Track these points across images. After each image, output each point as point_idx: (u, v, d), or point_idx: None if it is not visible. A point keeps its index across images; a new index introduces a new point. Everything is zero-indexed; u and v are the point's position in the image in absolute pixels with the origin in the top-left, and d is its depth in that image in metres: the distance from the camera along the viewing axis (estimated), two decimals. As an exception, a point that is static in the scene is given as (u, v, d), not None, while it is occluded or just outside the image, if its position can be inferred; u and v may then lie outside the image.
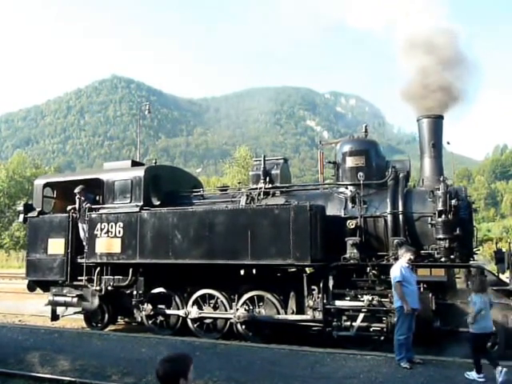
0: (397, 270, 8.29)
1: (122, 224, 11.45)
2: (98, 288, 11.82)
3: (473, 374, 7.40)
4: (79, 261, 12.05)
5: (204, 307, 11.23)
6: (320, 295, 10.10)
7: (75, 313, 12.75)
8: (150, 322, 11.75)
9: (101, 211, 11.91)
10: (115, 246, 11.47)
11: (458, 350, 8.64)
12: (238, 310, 10.81)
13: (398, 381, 7.34)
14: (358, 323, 9.84)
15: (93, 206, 12.09)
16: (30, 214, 12.97)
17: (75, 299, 12.18)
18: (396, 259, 9.49)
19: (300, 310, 10.44)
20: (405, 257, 8.39)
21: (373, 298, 9.73)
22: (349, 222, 10.26)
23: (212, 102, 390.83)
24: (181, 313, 11.39)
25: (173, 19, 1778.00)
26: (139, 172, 11.97)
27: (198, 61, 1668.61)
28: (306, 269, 10.73)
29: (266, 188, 11.57)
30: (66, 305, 12.46)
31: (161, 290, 11.65)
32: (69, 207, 12.60)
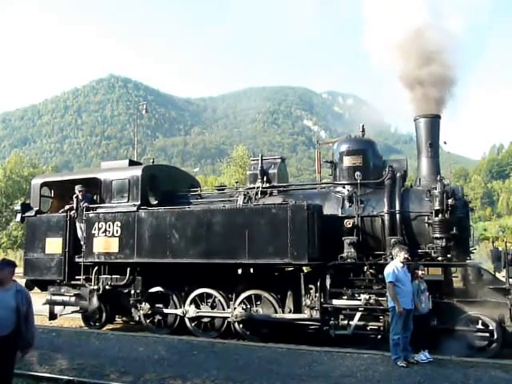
0: (389, 271, 8.30)
1: (119, 223, 11.46)
2: (95, 287, 11.83)
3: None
4: (77, 260, 12.05)
5: (202, 306, 11.25)
6: (317, 294, 10.13)
7: (73, 312, 12.76)
8: (147, 321, 11.77)
9: (98, 210, 11.92)
10: (113, 245, 11.49)
11: (455, 348, 8.71)
12: (235, 309, 10.84)
13: (395, 379, 7.37)
14: (355, 322, 9.87)
15: (90, 206, 12.09)
16: (27, 214, 12.97)
17: (73, 298, 12.20)
18: (393, 258, 9.54)
19: (297, 309, 10.47)
20: (399, 256, 8.40)
21: (370, 297, 9.75)
22: (346, 221, 10.28)
23: (209, 102, 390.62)
24: (178, 312, 11.41)
25: (171, 19, 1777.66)
26: (137, 171, 11.98)
27: (195, 61, 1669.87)
28: (304, 268, 10.77)
29: (263, 187, 11.60)
30: (64, 304, 12.48)
31: (158, 289, 11.67)
32: (66, 206, 12.61)
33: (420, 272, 8.69)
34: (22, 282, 12.69)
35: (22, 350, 5.76)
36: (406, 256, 8.43)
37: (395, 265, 8.37)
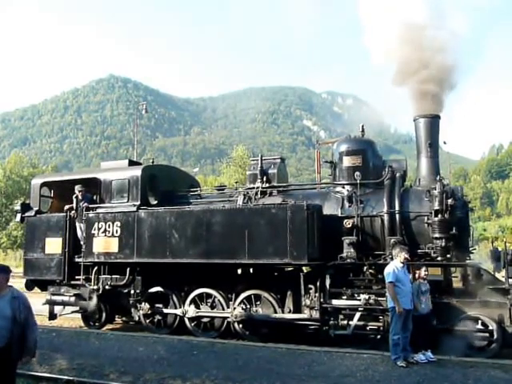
0: (390, 271, 8.28)
1: (119, 223, 11.47)
2: (95, 287, 11.84)
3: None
4: (77, 260, 12.06)
5: (201, 306, 11.26)
6: (317, 294, 10.13)
7: (73, 312, 12.77)
8: (147, 321, 11.77)
9: (98, 210, 11.92)
10: (112, 245, 11.49)
11: (454, 348, 8.71)
12: (235, 309, 10.84)
13: (395, 379, 7.37)
14: (354, 322, 9.88)
15: (90, 206, 12.09)
16: (27, 214, 12.97)
17: (73, 298, 12.21)
18: (392, 258, 9.55)
19: (297, 308, 10.48)
20: (399, 257, 8.38)
21: (369, 297, 9.75)
22: (346, 221, 10.28)
23: (209, 102, 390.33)
24: (178, 312, 11.41)
25: (171, 19, 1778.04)
26: (136, 171, 11.98)
27: (195, 61, 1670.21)
28: (303, 268, 10.77)
29: (263, 187, 11.60)
30: (64, 304, 12.49)
31: (158, 289, 11.67)
32: (66, 206, 12.61)
33: (423, 273, 8.66)
34: (21, 281, 12.76)
35: (23, 357, 5.30)
36: (407, 256, 8.42)
37: (395, 265, 8.36)
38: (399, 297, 8.11)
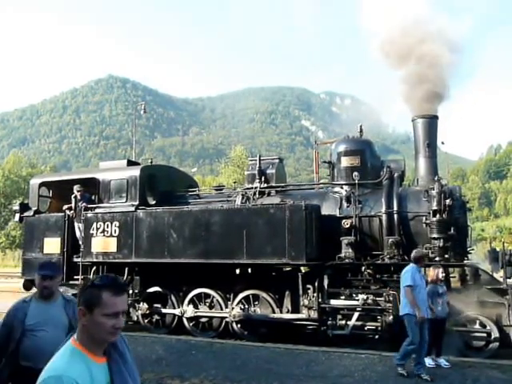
0: (407, 274, 7.51)
1: (117, 223, 11.47)
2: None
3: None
4: (75, 260, 12.06)
5: (200, 306, 11.26)
6: (315, 294, 10.14)
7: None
8: (145, 320, 11.77)
9: (97, 210, 11.92)
10: (111, 245, 11.48)
11: (453, 348, 8.71)
12: (233, 308, 10.85)
13: (393, 379, 7.37)
14: (352, 322, 9.88)
15: (89, 206, 12.09)
16: (25, 214, 12.96)
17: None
18: (391, 258, 9.58)
19: (295, 309, 10.49)
20: (419, 261, 7.68)
21: (367, 297, 9.76)
22: (344, 221, 10.30)
23: (208, 102, 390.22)
24: (176, 312, 11.42)
25: (171, 19, 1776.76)
26: (135, 171, 11.98)
27: (195, 61, 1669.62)
28: (302, 268, 10.78)
29: (261, 187, 11.61)
30: (62, 304, 12.45)
31: (156, 289, 11.68)
32: (65, 206, 12.60)
33: (440, 275, 8.19)
34: (20, 281, 12.75)
35: None
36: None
37: (413, 267, 7.61)
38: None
